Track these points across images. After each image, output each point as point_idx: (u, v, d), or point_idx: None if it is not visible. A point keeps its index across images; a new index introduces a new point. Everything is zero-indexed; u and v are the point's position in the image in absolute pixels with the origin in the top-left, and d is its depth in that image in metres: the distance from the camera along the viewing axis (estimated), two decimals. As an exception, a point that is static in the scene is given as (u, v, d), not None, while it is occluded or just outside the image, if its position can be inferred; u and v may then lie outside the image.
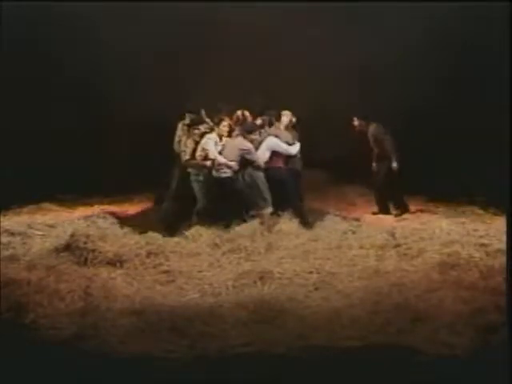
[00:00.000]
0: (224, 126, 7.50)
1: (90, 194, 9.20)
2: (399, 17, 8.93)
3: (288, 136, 7.80)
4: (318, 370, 3.97)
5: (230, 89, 8.42)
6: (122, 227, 7.04)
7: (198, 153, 7.47)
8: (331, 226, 7.25)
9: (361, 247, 6.40)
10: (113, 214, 8.03)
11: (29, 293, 5.01)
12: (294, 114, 8.02)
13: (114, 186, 9.14)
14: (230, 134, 7.57)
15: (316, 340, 4.28)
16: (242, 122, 7.72)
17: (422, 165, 8.82)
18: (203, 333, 4.43)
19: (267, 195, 7.39)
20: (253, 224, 7.07)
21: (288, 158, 7.74)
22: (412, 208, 8.42)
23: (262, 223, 7.09)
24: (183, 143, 7.67)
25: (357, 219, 7.79)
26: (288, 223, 7.13)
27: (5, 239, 6.63)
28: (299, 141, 7.87)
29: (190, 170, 7.52)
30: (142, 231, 6.89)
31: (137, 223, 7.44)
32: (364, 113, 8.33)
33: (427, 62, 9.08)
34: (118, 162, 9.52)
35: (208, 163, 7.36)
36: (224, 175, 7.34)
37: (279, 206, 7.36)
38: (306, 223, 7.29)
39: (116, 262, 5.98)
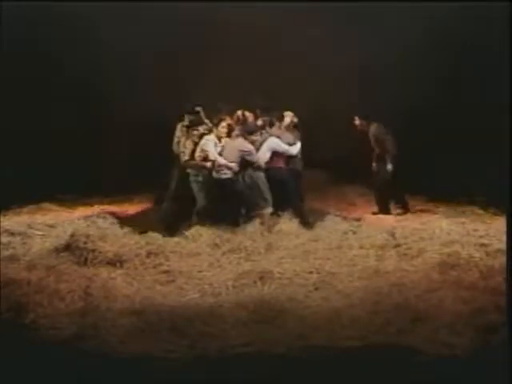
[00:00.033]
0: (222, 127, 7.50)
1: (89, 194, 9.20)
2: (399, 17, 8.93)
3: (289, 136, 7.79)
4: (318, 370, 3.97)
5: (230, 89, 8.42)
6: (121, 227, 7.05)
7: (197, 154, 7.47)
8: (331, 226, 7.25)
9: (361, 247, 6.40)
10: (113, 213, 8.02)
11: (29, 293, 5.01)
12: (294, 114, 8.02)
13: (114, 186, 9.14)
14: (229, 135, 7.57)
15: (316, 340, 4.28)
16: (242, 122, 7.73)
17: (422, 165, 8.82)
18: (203, 333, 4.43)
19: (268, 195, 7.39)
20: (253, 224, 7.08)
21: (289, 158, 7.75)
22: (412, 208, 8.42)
23: (262, 223, 7.09)
24: (182, 144, 7.67)
25: (357, 219, 7.78)
26: (288, 223, 7.13)
27: (5, 239, 6.63)
28: (299, 141, 7.88)
29: (189, 170, 7.52)
30: (142, 231, 6.90)
31: (137, 223, 7.44)
32: (364, 113, 8.33)
33: (427, 62, 9.08)
34: (118, 161, 9.52)
35: (208, 164, 7.37)
36: (224, 176, 7.33)
37: (279, 206, 7.37)
38: (307, 223, 7.29)
39: (116, 261, 5.98)
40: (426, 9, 8.86)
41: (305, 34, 9.26)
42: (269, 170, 7.53)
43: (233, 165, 7.30)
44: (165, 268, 5.99)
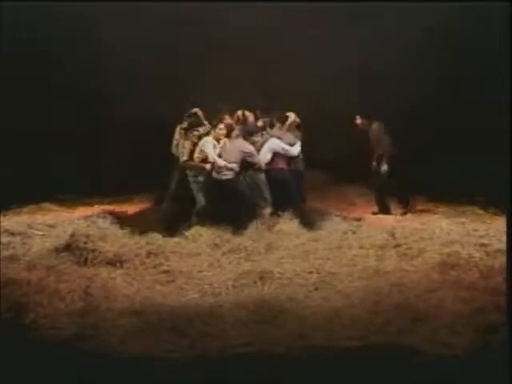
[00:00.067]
0: (220, 128, 7.50)
1: (89, 194, 9.20)
2: (399, 17, 8.93)
3: (290, 137, 7.78)
4: (318, 370, 3.97)
5: (230, 89, 8.41)
6: (121, 227, 7.03)
7: (196, 155, 7.48)
8: (331, 226, 7.26)
9: (361, 247, 6.40)
10: (113, 213, 8.01)
11: (29, 293, 5.02)
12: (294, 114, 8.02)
13: (114, 186, 9.14)
14: (229, 135, 7.57)
15: (316, 340, 4.28)
16: (242, 121, 7.72)
17: (422, 165, 8.81)
18: (203, 333, 4.43)
19: (268, 195, 7.40)
20: (253, 224, 7.08)
21: (290, 159, 7.74)
22: (412, 208, 8.41)
23: (262, 223, 7.09)
24: (181, 145, 7.67)
25: (357, 219, 7.78)
26: (288, 223, 7.13)
27: (5, 239, 6.63)
28: (300, 141, 7.87)
29: (188, 171, 7.52)
30: (142, 231, 6.90)
31: (137, 223, 7.43)
32: (365, 112, 8.34)
33: (427, 62, 9.08)
34: (118, 161, 9.52)
35: (207, 166, 7.36)
36: (225, 177, 7.32)
37: (280, 207, 7.36)
38: (308, 224, 7.27)
39: (116, 261, 5.99)
40: (426, 9, 8.85)
41: (305, 34, 9.25)
42: (270, 171, 7.53)
43: (233, 166, 7.29)
44: (165, 268, 5.99)
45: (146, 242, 6.45)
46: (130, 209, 8.74)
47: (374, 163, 8.36)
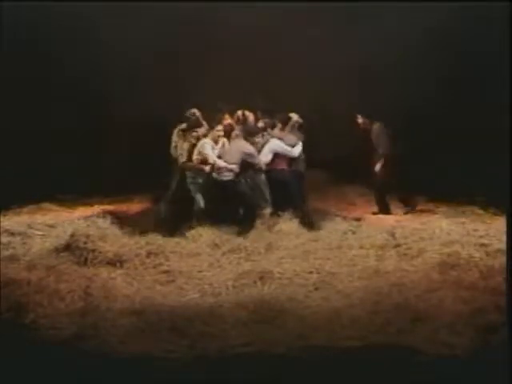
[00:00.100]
0: (218, 130, 7.51)
1: (90, 194, 9.19)
2: (399, 17, 8.92)
3: (291, 138, 7.76)
4: (318, 369, 3.97)
5: (230, 89, 8.41)
6: (121, 227, 7.04)
7: (195, 156, 7.48)
8: (331, 226, 7.26)
9: (361, 247, 6.41)
10: (113, 213, 8.01)
11: (29, 293, 5.02)
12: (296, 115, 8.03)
13: (113, 186, 9.12)
14: (229, 135, 7.56)
15: (316, 340, 4.29)
16: (242, 121, 7.72)
17: (422, 165, 8.81)
18: (203, 333, 4.43)
19: (268, 196, 7.40)
20: (253, 224, 7.08)
21: (291, 159, 7.74)
22: (415, 206, 8.42)
23: (262, 223, 7.09)
24: (179, 147, 7.68)
25: (357, 219, 7.78)
26: (288, 223, 7.14)
27: (5, 239, 6.64)
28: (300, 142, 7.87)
29: (187, 172, 7.52)
30: (142, 231, 6.90)
31: (137, 223, 7.44)
32: (365, 112, 8.34)
33: (427, 62, 9.07)
34: (118, 161, 9.51)
35: (207, 168, 7.36)
36: (226, 178, 7.31)
37: (281, 207, 7.36)
38: (310, 224, 7.26)
39: (116, 261, 5.99)
40: (426, 9, 8.85)
41: (305, 34, 9.24)
42: (271, 171, 7.53)
43: (233, 167, 7.29)
44: (165, 268, 6.00)
45: (145, 242, 6.45)
46: (130, 209, 8.74)
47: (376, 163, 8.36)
